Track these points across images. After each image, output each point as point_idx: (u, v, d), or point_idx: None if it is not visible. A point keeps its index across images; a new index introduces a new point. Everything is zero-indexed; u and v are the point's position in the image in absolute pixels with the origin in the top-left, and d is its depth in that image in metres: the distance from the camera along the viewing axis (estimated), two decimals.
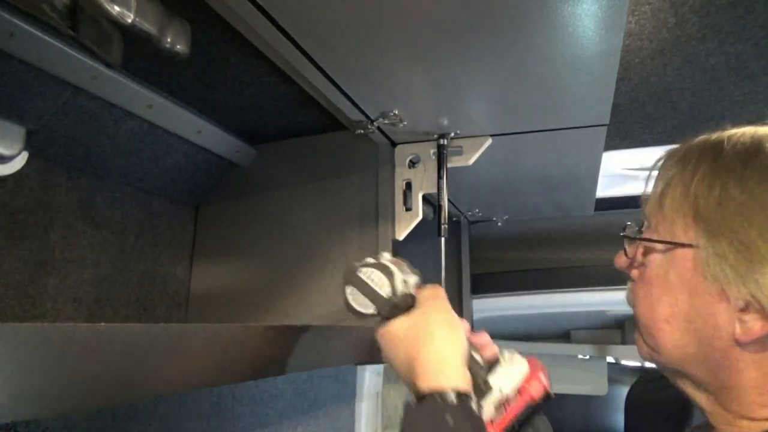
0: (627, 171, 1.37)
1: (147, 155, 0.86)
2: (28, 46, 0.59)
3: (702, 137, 0.51)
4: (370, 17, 0.52)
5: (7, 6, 0.54)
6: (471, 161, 0.86)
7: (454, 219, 1.49)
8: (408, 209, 0.88)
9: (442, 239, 0.84)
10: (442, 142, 0.85)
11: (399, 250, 0.88)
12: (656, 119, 0.99)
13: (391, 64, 0.62)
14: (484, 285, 1.74)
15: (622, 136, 1.08)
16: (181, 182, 0.97)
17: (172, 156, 0.89)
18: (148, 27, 0.47)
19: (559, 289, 1.68)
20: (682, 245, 0.47)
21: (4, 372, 0.28)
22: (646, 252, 0.51)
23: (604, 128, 0.82)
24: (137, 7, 0.45)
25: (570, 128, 0.82)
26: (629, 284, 0.55)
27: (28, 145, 0.69)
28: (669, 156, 0.51)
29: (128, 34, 0.47)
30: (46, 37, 0.60)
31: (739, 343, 0.44)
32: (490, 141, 0.86)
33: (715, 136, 0.50)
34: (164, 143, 0.86)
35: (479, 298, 1.73)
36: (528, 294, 1.71)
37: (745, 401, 0.45)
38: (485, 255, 1.76)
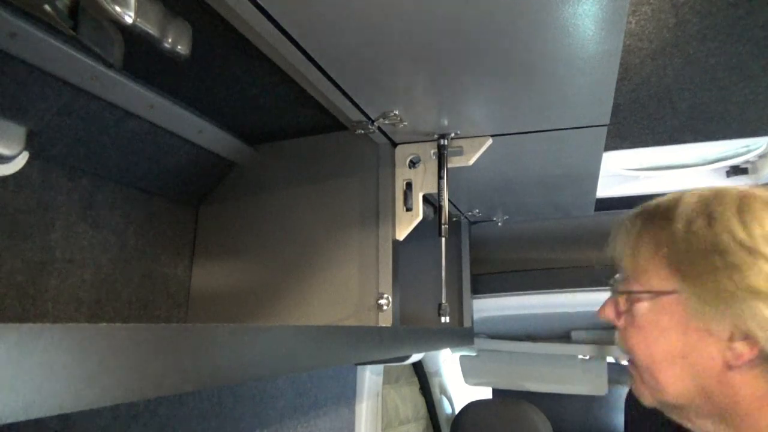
0: (627, 171, 1.37)
1: (148, 155, 0.86)
2: (30, 47, 0.59)
3: (653, 203, 0.59)
4: (371, 17, 0.52)
5: (8, 6, 0.54)
6: (471, 161, 0.86)
7: (454, 219, 1.49)
8: (408, 209, 0.88)
9: (443, 239, 0.84)
10: (442, 142, 0.85)
11: (399, 250, 0.88)
12: (656, 119, 0.99)
13: (392, 65, 0.62)
14: (484, 285, 1.74)
15: (623, 136, 1.08)
16: (181, 182, 0.97)
17: (172, 156, 0.90)
18: (149, 27, 0.47)
19: (559, 289, 1.68)
20: (667, 293, 0.54)
21: (5, 372, 0.28)
22: (632, 302, 0.57)
23: (605, 128, 0.82)
24: (138, 7, 0.45)
25: (570, 128, 0.82)
26: (618, 333, 0.61)
27: (29, 145, 0.70)
28: (631, 218, 0.60)
29: (129, 34, 0.47)
30: (48, 38, 0.60)
31: (731, 368, 0.50)
32: (490, 141, 0.86)
33: (665, 200, 0.58)
34: (165, 143, 0.86)
35: (479, 298, 1.73)
36: (528, 294, 1.71)
37: (750, 417, 0.51)
38: (485, 255, 1.76)
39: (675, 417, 0.58)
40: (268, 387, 1.11)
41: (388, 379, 1.82)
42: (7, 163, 0.67)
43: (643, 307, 0.56)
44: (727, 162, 1.35)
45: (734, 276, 0.49)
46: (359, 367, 1.48)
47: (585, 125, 0.81)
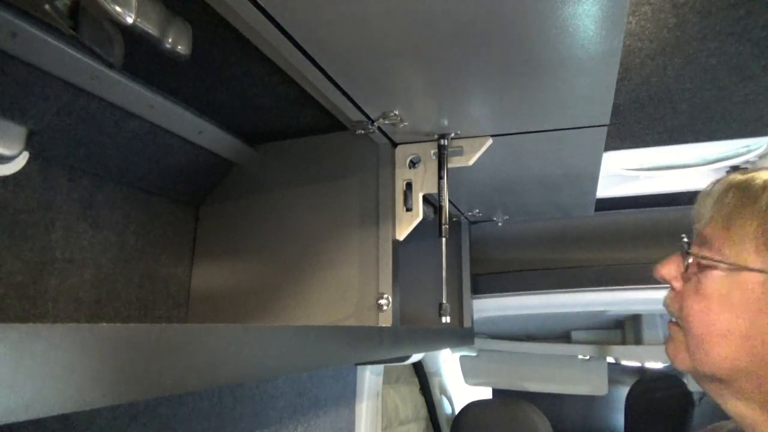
0: (627, 171, 1.37)
1: (148, 156, 0.86)
2: (30, 47, 0.59)
3: (765, 174, 0.55)
4: (371, 17, 0.52)
5: (8, 6, 0.54)
6: (471, 161, 0.86)
7: (454, 219, 1.49)
8: (408, 209, 0.88)
9: (443, 239, 0.84)
10: (442, 142, 0.85)
11: (399, 250, 0.88)
12: (656, 119, 0.99)
13: (392, 65, 0.62)
14: (484, 285, 1.74)
15: (623, 136, 1.08)
16: (181, 182, 0.97)
17: (172, 156, 0.90)
18: (150, 28, 0.47)
19: (559, 289, 1.68)
20: (753, 270, 0.51)
21: (5, 372, 0.28)
22: (704, 268, 0.55)
23: (605, 128, 0.82)
24: (138, 7, 0.45)
25: (570, 129, 0.82)
26: (670, 293, 0.59)
27: (29, 145, 0.70)
28: (735, 184, 0.56)
29: (129, 34, 0.47)
30: (48, 38, 0.60)
31: None
32: (490, 141, 0.86)
33: None
34: (165, 144, 0.86)
35: (479, 298, 1.73)
36: (528, 294, 1.71)
37: None
38: (485, 255, 1.76)
39: (707, 389, 0.57)
40: (268, 387, 1.11)
41: (388, 379, 1.82)
42: (7, 163, 0.67)
43: (716, 276, 0.54)
44: (727, 162, 1.35)
45: None
46: (359, 367, 1.48)
47: (585, 125, 0.81)
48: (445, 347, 2.07)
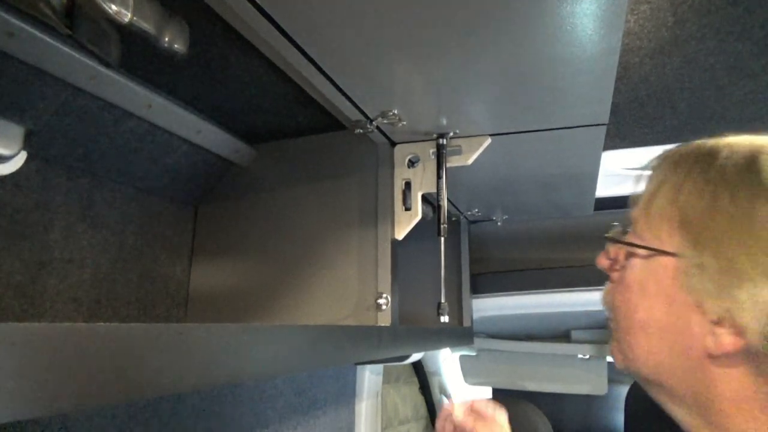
0: (627, 171, 1.37)
1: (146, 155, 0.86)
2: (27, 46, 0.59)
3: (698, 142, 0.48)
4: (370, 17, 0.52)
5: (5, 6, 0.54)
6: (470, 161, 0.86)
7: (454, 219, 1.49)
8: (407, 209, 0.88)
9: (442, 239, 0.84)
10: (441, 141, 0.85)
11: (398, 249, 0.88)
12: (656, 119, 0.99)
13: (391, 64, 0.62)
14: (484, 285, 1.74)
15: (622, 135, 1.08)
16: (180, 182, 0.97)
17: (171, 156, 0.89)
18: (146, 26, 0.47)
19: (559, 289, 1.68)
20: (665, 253, 0.46)
21: (4, 372, 0.28)
22: (628, 255, 0.50)
23: (604, 128, 0.82)
24: (135, 6, 0.45)
25: (569, 128, 0.82)
26: (607, 285, 0.54)
27: (27, 144, 0.69)
28: (662, 159, 0.50)
29: (126, 33, 0.47)
30: (45, 37, 0.60)
31: (711, 356, 0.44)
32: (489, 141, 0.86)
33: (711, 142, 0.47)
34: (164, 143, 0.86)
35: (479, 298, 1.73)
36: (528, 294, 1.71)
37: (722, 415, 0.44)
38: (485, 255, 1.76)
39: (652, 394, 0.51)
40: (267, 387, 1.11)
41: (387, 379, 1.82)
42: (5, 162, 0.67)
43: (635, 264, 0.49)
44: None
45: (756, 255, 0.40)
46: (359, 367, 1.48)
47: (584, 124, 0.81)
48: (445, 347, 2.07)
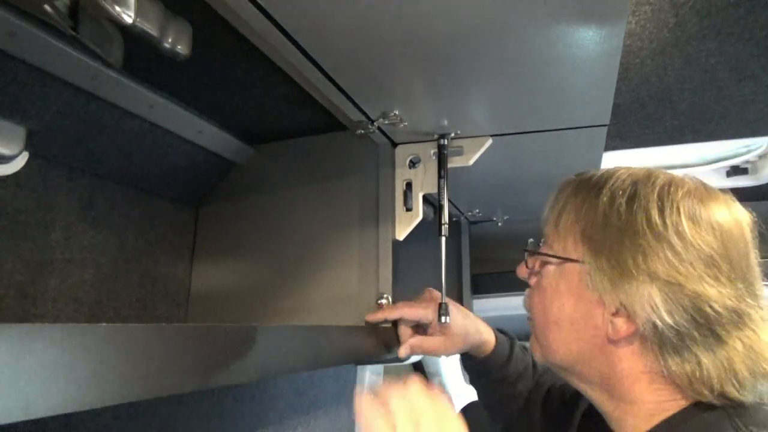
0: None
1: (147, 155, 0.86)
2: (29, 46, 0.59)
3: (590, 173, 0.61)
4: (371, 18, 0.52)
5: (7, 6, 0.54)
6: (471, 161, 0.86)
7: (454, 219, 1.49)
8: (408, 209, 0.88)
9: (443, 239, 0.84)
10: (442, 142, 0.85)
11: (399, 250, 0.88)
12: (656, 119, 0.99)
13: (392, 65, 0.62)
14: (484, 285, 1.74)
15: (623, 136, 1.08)
16: (181, 182, 0.97)
17: (172, 156, 0.90)
18: (149, 27, 0.47)
19: None
20: (572, 260, 0.57)
21: (5, 372, 0.28)
22: (543, 264, 0.61)
23: (605, 128, 0.82)
24: (138, 7, 0.45)
25: (570, 128, 0.82)
26: (527, 291, 0.65)
27: (29, 145, 0.69)
28: (565, 185, 0.62)
29: (129, 34, 0.47)
30: (47, 37, 0.60)
31: (611, 341, 0.54)
32: (490, 141, 0.86)
33: (601, 172, 0.60)
34: (165, 143, 0.86)
35: (479, 298, 1.73)
36: None
37: (624, 387, 0.55)
38: (485, 255, 1.76)
39: (563, 377, 0.62)
40: (268, 387, 1.11)
41: (388, 379, 1.82)
42: (6, 163, 0.67)
43: (549, 270, 0.60)
44: (727, 162, 1.35)
45: (638, 258, 0.51)
46: (359, 367, 1.48)
47: (585, 125, 0.81)
48: None
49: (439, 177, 0.84)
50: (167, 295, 0.97)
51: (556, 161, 0.99)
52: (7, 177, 0.69)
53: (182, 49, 0.51)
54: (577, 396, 0.74)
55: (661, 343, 0.51)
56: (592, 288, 0.54)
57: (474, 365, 0.86)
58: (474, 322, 0.83)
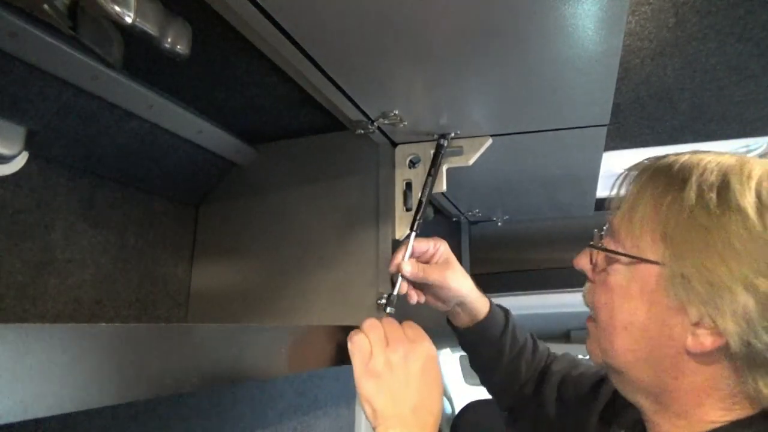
0: None
1: (147, 155, 0.86)
2: (29, 46, 0.59)
3: (671, 158, 0.53)
4: (371, 18, 0.52)
5: (7, 6, 0.54)
6: (471, 161, 0.86)
7: (454, 219, 1.49)
8: (408, 209, 0.88)
9: (413, 234, 0.83)
10: (442, 142, 0.85)
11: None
12: (656, 119, 0.99)
13: (392, 65, 0.62)
14: (484, 285, 1.73)
15: (623, 136, 1.08)
16: (181, 182, 0.97)
17: (172, 156, 0.90)
18: (149, 27, 0.47)
19: (559, 289, 1.68)
20: (649, 261, 0.50)
21: (5, 372, 0.28)
22: (610, 260, 0.54)
23: (605, 128, 0.82)
24: (137, 7, 0.45)
25: (570, 128, 0.82)
26: (587, 286, 0.59)
27: (29, 145, 0.70)
28: (640, 170, 0.54)
29: (129, 34, 0.47)
30: (47, 38, 0.60)
31: (689, 353, 0.48)
32: (490, 141, 0.86)
33: (683, 159, 0.52)
34: (165, 143, 0.86)
35: None
36: (528, 294, 1.71)
37: (683, 402, 0.50)
38: (485, 255, 1.76)
39: (613, 380, 0.57)
40: (268, 387, 1.11)
41: None
42: (7, 163, 0.67)
43: (618, 269, 0.53)
44: None
45: (731, 264, 0.44)
46: None
47: (585, 125, 0.81)
48: (445, 347, 2.07)
49: (429, 174, 0.84)
50: (167, 295, 0.97)
51: (556, 161, 0.99)
52: (7, 177, 0.69)
53: (182, 49, 0.51)
54: (597, 387, 0.71)
55: (751, 361, 0.45)
56: (673, 295, 0.48)
57: (470, 334, 0.84)
58: (470, 280, 0.82)
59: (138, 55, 0.67)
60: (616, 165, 1.33)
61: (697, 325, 0.47)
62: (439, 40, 0.56)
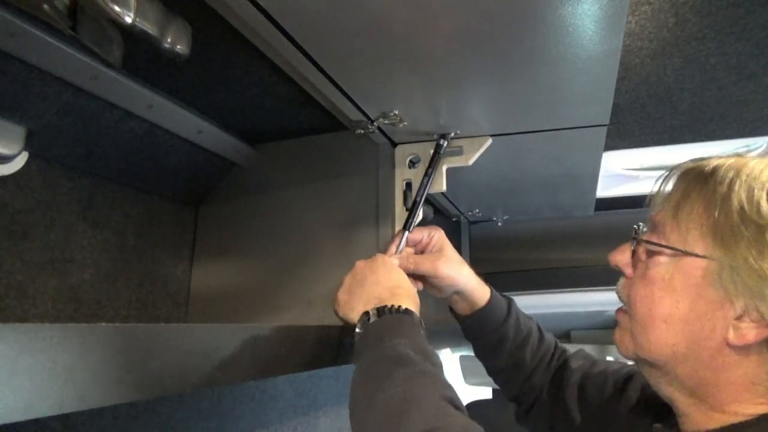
0: (627, 171, 1.37)
1: (147, 155, 0.86)
2: (29, 46, 0.59)
3: (718, 160, 0.55)
4: (371, 19, 0.52)
5: (7, 6, 0.54)
6: (471, 161, 0.86)
7: (454, 219, 1.49)
8: (408, 209, 0.88)
9: (406, 233, 0.83)
10: (442, 142, 0.85)
11: None
12: (656, 119, 0.99)
13: (392, 65, 0.62)
14: None
15: (622, 136, 1.08)
16: (181, 182, 0.97)
17: (172, 156, 0.90)
18: (149, 27, 0.47)
19: (559, 289, 1.68)
20: (696, 255, 0.51)
21: (5, 372, 0.28)
22: (651, 254, 0.56)
23: (605, 128, 0.82)
24: (137, 7, 0.45)
25: (570, 128, 0.82)
26: (622, 280, 0.60)
27: (29, 145, 0.70)
28: (687, 171, 0.57)
29: (128, 34, 0.47)
30: (47, 37, 0.60)
31: (731, 346, 0.49)
32: (490, 141, 0.86)
33: (731, 161, 0.54)
34: (164, 143, 0.86)
35: None
36: (528, 294, 1.71)
37: (721, 396, 0.51)
38: (485, 255, 1.76)
39: (646, 374, 0.58)
40: (267, 387, 1.11)
41: None
42: (6, 163, 0.67)
43: (660, 261, 0.54)
44: None
45: None
46: None
47: (585, 125, 0.81)
48: (445, 347, 2.07)
49: (426, 174, 0.84)
50: (167, 295, 0.97)
51: (556, 161, 0.99)
52: (7, 177, 0.69)
53: (182, 48, 0.51)
54: (624, 385, 0.71)
55: None
56: (719, 287, 0.49)
57: (470, 321, 0.82)
58: (468, 268, 0.82)
59: (138, 55, 0.67)
60: (616, 165, 1.34)
61: (740, 318, 0.48)
62: (439, 41, 0.56)
